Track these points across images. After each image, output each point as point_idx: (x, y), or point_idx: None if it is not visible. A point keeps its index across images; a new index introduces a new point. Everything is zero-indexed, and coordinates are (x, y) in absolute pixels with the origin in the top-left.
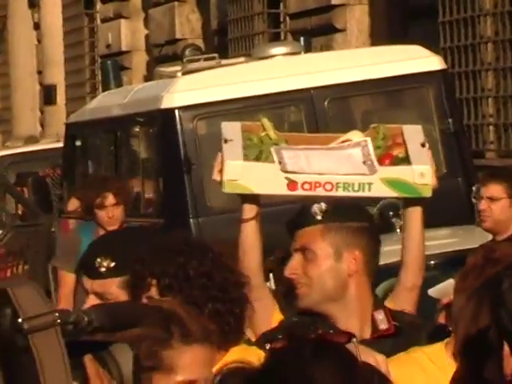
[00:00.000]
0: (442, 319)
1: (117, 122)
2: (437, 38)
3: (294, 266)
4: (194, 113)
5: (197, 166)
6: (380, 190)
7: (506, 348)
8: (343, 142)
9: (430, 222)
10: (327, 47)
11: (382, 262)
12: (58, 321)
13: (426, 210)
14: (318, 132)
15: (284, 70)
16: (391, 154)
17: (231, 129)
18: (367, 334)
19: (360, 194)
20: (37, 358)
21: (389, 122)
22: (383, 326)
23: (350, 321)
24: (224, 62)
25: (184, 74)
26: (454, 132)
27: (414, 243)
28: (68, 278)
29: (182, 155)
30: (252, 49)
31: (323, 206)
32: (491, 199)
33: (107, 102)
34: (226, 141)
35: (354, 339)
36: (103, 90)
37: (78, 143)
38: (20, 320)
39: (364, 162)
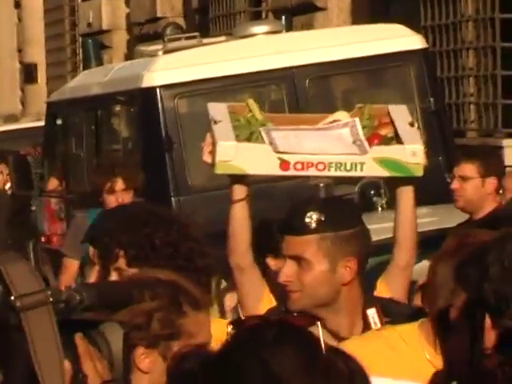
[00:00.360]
0: (418, 300)
1: (97, 101)
2: (418, 16)
3: (288, 274)
4: (174, 91)
5: (178, 145)
6: (372, 170)
7: (488, 321)
8: (331, 122)
9: None
10: (308, 26)
11: None
12: (51, 299)
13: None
14: (299, 111)
15: (265, 48)
16: (379, 134)
17: (218, 110)
18: (358, 331)
19: (352, 173)
20: (29, 336)
21: (370, 101)
22: (375, 326)
23: (341, 321)
24: (205, 40)
25: (165, 52)
26: (435, 111)
27: (407, 222)
28: (72, 265)
29: (162, 134)
30: (233, 27)
31: (318, 214)
32: (463, 178)
33: (88, 81)
34: (215, 122)
35: (318, 322)
36: (84, 69)
37: (59, 122)
38: (12, 298)
39: (354, 142)
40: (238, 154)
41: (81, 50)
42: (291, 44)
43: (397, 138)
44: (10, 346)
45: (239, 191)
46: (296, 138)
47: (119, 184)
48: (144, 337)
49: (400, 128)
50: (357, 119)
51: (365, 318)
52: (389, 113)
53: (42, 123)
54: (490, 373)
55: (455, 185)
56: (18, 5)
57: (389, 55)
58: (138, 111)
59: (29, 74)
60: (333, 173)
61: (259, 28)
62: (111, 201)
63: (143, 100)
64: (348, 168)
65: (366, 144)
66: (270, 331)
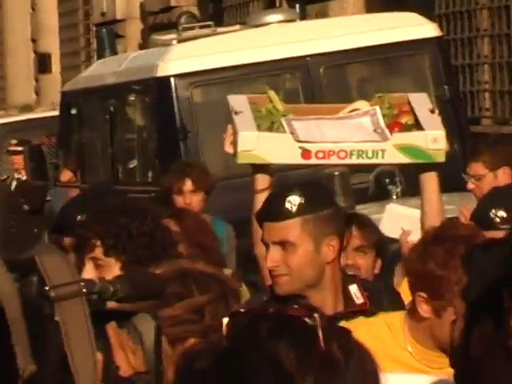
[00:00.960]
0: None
1: (112, 90)
2: (432, 4)
3: (274, 259)
4: (189, 81)
5: (192, 134)
6: (394, 157)
7: None
8: (351, 111)
9: None
10: (322, 14)
11: None
12: (84, 290)
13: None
14: (314, 100)
15: (279, 37)
16: (400, 122)
17: (238, 101)
18: (341, 307)
19: (374, 160)
20: (62, 327)
21: (384, 90)
22: (358, 300)
23: (325, 298)
24: (219, 29)
25: (179, 42)
26: (449, 99)
27: (434, 207)
28: None
29: (177, 123)
30: (247, 16)
31: (298, 198)
32: (476, 178)
33: (102, 70)
34: (236, 113)
35: (316, 314)
36: (98, 59)
37: (74, 111)
38: (47, 288)
39: (375, 130)
40: (259, 143)
41: (95, 40)
42: (305, 33)
43: (417, 126)
44: (44, 336)
45: (262, 181)
46: (317, 128)
47: (188, 185)
48: (198, 329)
49: (420, 115)
50: (377, 107)
51: (347, 294)
52: (409, 101)
53: (56, 113)
54: None
55: (470, 185)
56: None
57: (403, 43)
58: (153, 101)
59: (43, 63)
60: (354, 160)
61: (273, 17)
62: (179, 201)
63: (158, 89)
64: (370, 155)
65: (386, 131)
66: (265, 323)
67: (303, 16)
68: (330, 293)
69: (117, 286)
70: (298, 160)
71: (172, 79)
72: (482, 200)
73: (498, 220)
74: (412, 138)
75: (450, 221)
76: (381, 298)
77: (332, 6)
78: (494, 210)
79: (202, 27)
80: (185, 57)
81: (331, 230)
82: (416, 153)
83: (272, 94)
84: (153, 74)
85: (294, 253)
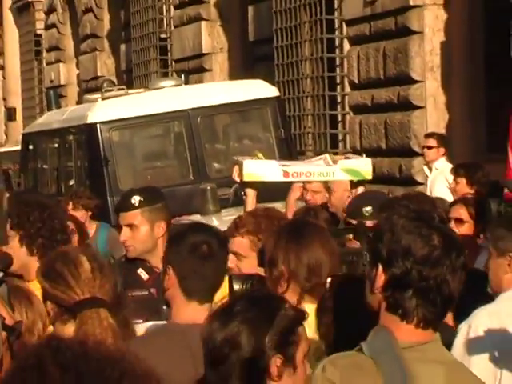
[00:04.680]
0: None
1: (57, 133)
2: (273, 74)
3: (125, 235)
4: (109, 126)
5: (111, 162)
6: (340, 176)
7: (380, 267)
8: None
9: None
10: (200, 81)
11: None
12: None
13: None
14: (193, 139)
15: (170, 96)
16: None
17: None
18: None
19: (327, 178)
20: None
21: (241, 133)
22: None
23: (157, 260)
24: (130, 91)
25: (102, 99)
26: (284, 138)
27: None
28: None
29: (101, 154)
30: (149, 82)
31: (138, 197)
32: (314, 191)
33: (50, 119)
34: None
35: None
36: (48, 111)
37: (31, 147)
38: None
39: (326, 164)
40: (256, 167)
41: (45, 98)
42: (188, 93)
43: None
44: None
45: (252, 192)
46: (293, 164)
47: (70, 205)
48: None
49: (352, 157)
50: (327, 155)
51: None
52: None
53: (19, 148)
54: (376, 304)
55: (308, 197)
56: (2, 67)
57: (253, 100)
58: (85, 140)
59: (10, 115)
60: (316, 178)
61: (166, 82)
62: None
63: (88, 132)
64: (325, 175)
65: (332, 164)
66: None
67: (187, 82)
68: (160, 256)
69: None
70: (280, 178)
71: (98, 125)
72: (354, 199)
73: (366, 213)
74: (352, 163)
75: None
76: None
77: (206, 76)
78: (363, 206)
79: (118, 89)
80: (106, 109)
81: (161, 217)
82: (354, 173)
83: (260, 155)
84: (85, 121)
85: (137, 231)
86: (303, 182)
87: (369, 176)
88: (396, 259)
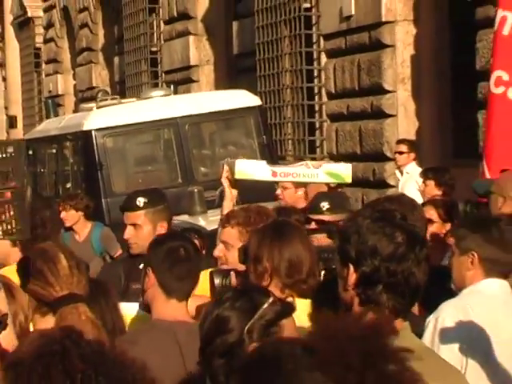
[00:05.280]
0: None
1: (55, 139)
2: (256, 84)
3: (129, 234)
4: (103, 132)
5: (105, 166)
6: (323, 178)
7: (351, 267)
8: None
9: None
10: (187, 91)
11: None
12: None
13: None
14: (182, 145)
15: (160, 105)
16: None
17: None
18: None
19: (312, 179)
20: None
21: (226, 139)
22: None
23: None
24: (123, 101)
25: (97, 108)
26: (266, 144)
27: None
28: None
29: (96, 160)
30: (140, 92)
31: (143, 198)
32: (284, 188)
33: (49, 126)
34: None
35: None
36: (46, 119)
37: (30, 152)
38: None
39: (308, 169)
40: (247, 166)
41: (44, 107)
42: (176, 103)
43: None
44: None
45: (231, 193)
46: (279, 166)
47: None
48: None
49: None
50: (308, 161)
51: None
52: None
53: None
54: (350, 300)
55: (278, 192)
56: (4, 79)
57: (237, 109)
58: (81, 145)
59: (11, 122)
60: (302, 179)
61: (156, 93)
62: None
63: (84, 138)
64: (310, 177)
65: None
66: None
67: (175, 92)
68: None
69: None
70: (269, 177)
71: (93, 132)
72: (315, 197)
73: (323, 209)
74: (334, 167)
75: None
76: None
77: (193, 86)
78: (322, 203)
79: (112, 99)
80: (101, 118)
81: (163, 217)
82: (336, 176)
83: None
84: (81, 129)
85: (140, 230)
86: (291, 182)
87: (349, 179)
88: (365, 259)
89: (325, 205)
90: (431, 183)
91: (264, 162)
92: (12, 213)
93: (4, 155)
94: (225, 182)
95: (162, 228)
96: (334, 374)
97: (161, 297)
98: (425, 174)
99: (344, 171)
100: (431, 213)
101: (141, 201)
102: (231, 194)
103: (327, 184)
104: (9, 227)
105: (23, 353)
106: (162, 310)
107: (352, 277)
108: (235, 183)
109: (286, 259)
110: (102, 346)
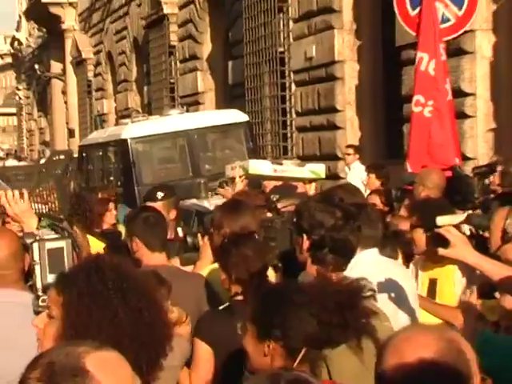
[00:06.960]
0: None
1: (101, 145)
2: (245, 106)
3: None
4: (136, 140)
5: (137, 164)
6: (307, 174)
7: (305, 236)
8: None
9: None
10: (196, 110)
11: None
12: None
13: None
14: (192, 150)
15: (176, 121)
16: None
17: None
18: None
19: (299, 175)
20: None
21: (223, 145)
22: None
23: (171, 233)
24: (150, 117)
25: (132, 123)
26: (253, 148)
27: None
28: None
29: (131, 159)
30: (163, 111)
31: (161, 193)
32: (231, 183)
33: (97, 136)
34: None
35: None
36: (95, 130)
37: (84, 155)
38: None
39: (297, 167)
40: (258, 164)
41: (94, 122)
42: (188, 119)
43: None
44: None
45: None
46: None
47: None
48: None
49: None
50: (295, 161)
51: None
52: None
53: (76, 156)
54: (304, 260)
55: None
56: (65, 102)
57: (232, 124)
58: (120, 150)
59: (71, 133)
60: (292, 174)
61: (174, 111)
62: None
63: (122, 144)
64: (298, 173)
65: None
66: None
67: (187, 111)
68: None
69: None
70: (272, 173)
71: (128, 140)
72: (270, 190)
73: (274, 199)
74: (314, 166)
75: None
76: None
77: (200, 107)
78: (272, 196)
79: (142, 116)
80: (134, 129)
81: (173, 206)
82: (315, 173)
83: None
84: (120, 137)
85: None
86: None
87: (323, 175)
88: (314, 230)
89: (275, 196)
90: (372, 176)
91: (269, 162)
92: (55, 195)
93: (56, 158)
94: (238, 178)
95: (172, 214)
96: (314, 310)
97: (146, 252)
98: (368, 169)
99: (320, 169)
100: (376, 200)
101: (159, 194)
102: (242, 184)
103: (304, 180)
104: (52, 206)
105: (71, 268)
106: (151, 260)
107: (305, 244)
108: (249, 177)
109: (238, 226)
110: (125, 265)
